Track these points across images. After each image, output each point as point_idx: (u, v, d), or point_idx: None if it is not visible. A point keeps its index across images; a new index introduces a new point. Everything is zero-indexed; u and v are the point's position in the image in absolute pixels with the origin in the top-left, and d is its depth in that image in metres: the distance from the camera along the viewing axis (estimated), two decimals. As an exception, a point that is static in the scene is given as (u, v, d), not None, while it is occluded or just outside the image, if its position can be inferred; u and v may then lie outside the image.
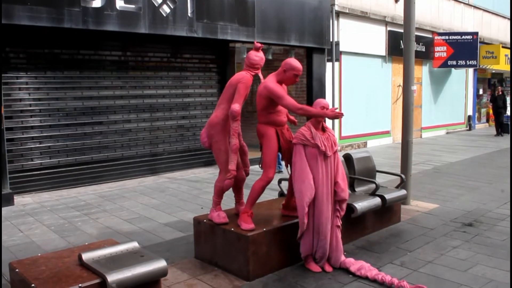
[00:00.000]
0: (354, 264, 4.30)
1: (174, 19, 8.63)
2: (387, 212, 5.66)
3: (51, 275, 3.29)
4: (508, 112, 18.07)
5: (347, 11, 12.70)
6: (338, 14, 12.51)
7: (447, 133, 18.28)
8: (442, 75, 17.96)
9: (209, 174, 9.28)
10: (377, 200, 5.25)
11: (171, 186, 8.29)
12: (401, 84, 7.70)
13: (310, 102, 11.40)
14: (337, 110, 4.21)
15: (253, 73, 4.43)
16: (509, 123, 17.23)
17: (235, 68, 10.93)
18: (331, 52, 11.91)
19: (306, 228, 4.28)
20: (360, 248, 4.97)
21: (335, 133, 4.49)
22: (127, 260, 3.45)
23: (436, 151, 12.89)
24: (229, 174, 4.24)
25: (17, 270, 3.40)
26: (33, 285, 3.13)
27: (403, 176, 6.14)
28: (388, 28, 14.35)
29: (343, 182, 4.34)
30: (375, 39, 13.98)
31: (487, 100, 21.32)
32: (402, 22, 7.98)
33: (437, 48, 16.92)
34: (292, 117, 4.75)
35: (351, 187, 5.68)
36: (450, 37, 16.87)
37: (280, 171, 8.97)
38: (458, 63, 16.96)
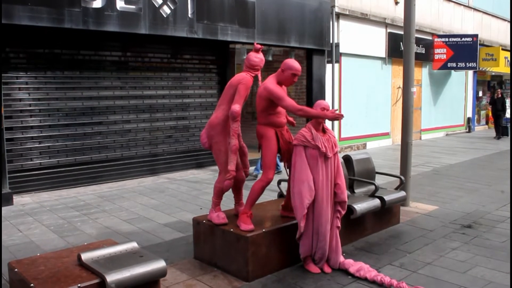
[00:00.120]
0: (353, 265, 4.30)
1: (174, 20, 8.64)
2: (386, 213, 5.67)
3: (50, 275, 3.28)
4: (508, 115, 18.08)
5: (347, 12, 12.71)
6: (338, 15, 12.53)
7: (447, 135, 18.29)
8: (442, 77, 17.98)
9: (208, 175, 9.28)
10: (376, 202, 5.25)
11: (171, 187, 8.29)
12: (401, 86, 7.71)
13: (310, 103, 11.41)
14: (337, 112, 4.21)
15: (253, 74, 4.44)
16: (508, 125, 17.24)
17: (235, 69, 10.94)
18: (331, 53, 11.93)
19: (305, 229, 4.28)
20: (359, 249, 4.97)
21: (334, 135, 4.49)
22: (126, 260, 3.45)
23: (435, 153, 12.90)
24: (228, 174, 4.24)
25: (16, 270, 3.40)
26: (32, 285, 3.13)
27: (402, 177, 6.15)
28: (388, 30, 14.37)
29: (343, 184, 4.35)
30: (375, 40, 14.00)
31: (487, 102, 21.34)
32: (402, 24, 8.00)
33: (437, 50, 16.94)
34: (290, 118, 4.75)
35: (351, 188, 5.68)
36: (450, 39, 16.89)
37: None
38: (458, 65, 16.97)
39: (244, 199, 4.61)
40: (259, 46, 4.52)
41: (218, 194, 4.51)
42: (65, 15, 7.29)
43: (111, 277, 3.17)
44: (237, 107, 4.21)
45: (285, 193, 4.88)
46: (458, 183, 8.55)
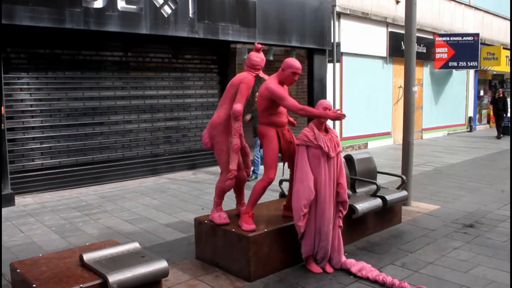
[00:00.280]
0: (355, 265, 4.30)
1: (175, 19, 8.64)
2: (388, 213, 5.66)
3: (52, 275, 3.29)
4: (509, 114, 18.04)
5: (348, 12, 12.70)
6: (339, 15, 12.51)
7: (448, 134, 18.27)
8: (443, 76, 17.96)
9: (210, 175, 9.28)
10: (378, 201, 5.25)
11: (172, 187, 8.29)
12: (402, 85, 7.71)
13: (311, 103, 11.40)
14: (339, 112, 4.21)
15: (254, 74, 4.43)
16: (509, 125, 17.21)
17: (236, 69, 10.94)
18: (332, 53, 11.91)
19: (307, 229, 4.28)
20: (361, 249, 4.97)
21: (337, 134, 4.48)
22: (128, 260, 3.45)
23: (437, 152, 12.89)
24: (230, 174, 4.24)
25: (18, 270, 3.41)
26: (34, 285, 3.13)
27: (404, 177, 6.14)
28: (389, 29, 14.35)
29: (345, 183, 4.35)
30: (376, 40, 13.99)
31: (488, 101, 21.31)
32: (403, 23, 7.99)
33: (438, 49, 16.92)
34: (291, 118, 4.75)
35: (352, 188, 5.68)
36: (451, 38, 16.87)
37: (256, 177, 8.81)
38: (459, 64, 16.95)
39: (246, 199, 4.61)
40: (259, 45, 4.52)
41: (220, 194, 4.51)
42: (66, 15, 7.29)
43: (113, 278, 3.17)
44: (239, 106, 4.21)
45: (286, 193, 4.88)
46: (459, 183, 8.54)
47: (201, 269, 4.45)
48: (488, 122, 21.79)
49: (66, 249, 4.36)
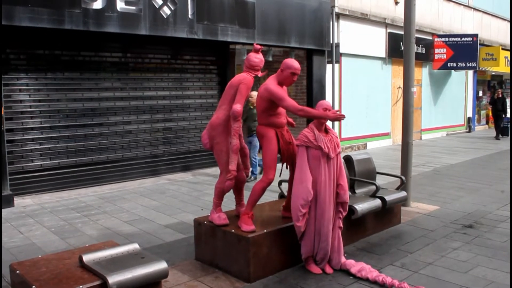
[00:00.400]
0: (354, 266, 4.30)
1: (174, 20, 8.64)
2: (387, 213, 5.67)
3: (51, 276, 3.29)
4: (508, 115, 18.06)
5: (347, 13, 12.71)
6: (338, 15, 12.53)
7: (447, 135, 18.28)
8: (442, 77, 17.98)
9: (209, 176, 9.28)
10: (377, 202, 5.25)
11: (171, 188, 8.29)
12: (401, 86, 7.72)
13: (310, 103, 11.41)
14: (339, 112, 4.20)
15: (253, 75, 4.43)
16: (508, 125, 17.22)
17: (235, 70, 10.93)
18: (331, 53, 11.93)
19: (307, 229, 4.28)
20: (361, 250, 4.97)
21: (337, 135, 4.48)
22: (128, 261, 3.45)
23: (436, 153, 12.90)
24: (229, 174, 4.24)
25: (17, 271, 3.40)
26: (33, 286, 3.13)
27: (403, 177, 6.14)
28: (388, 30, 14.37)
29: (345, 184, 4.35)
30: (375, 41, 14.00)
31: (487, 102, 21.33)
32: (402, 24, 8.00)
33: (437, 50, 16.94)
34: (290, 119, 4.76)
35: (352, 188, 5.68)
36: (450, 39, 16.89)
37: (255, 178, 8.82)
38: (458, 65, 16.98)
39: (245, 200, 4.61)
40: (258, 46, 4.52)
41: (219, 195, 4.51)
42: (65, 16, 7.29)
43: (112, 279, 3.17)
44: (238, 107, 4.22)
45: (286, 194, 4.88)
46: (458, 183, 8.55)
47: (200, 270, 4.44)
48: (487, 122, 21.81)
49: (66, 250, 4.35)
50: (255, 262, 4.15)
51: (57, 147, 8.08)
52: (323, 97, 11.84)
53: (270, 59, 11.01)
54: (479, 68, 18.07)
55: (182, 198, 7.51)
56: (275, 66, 10.69)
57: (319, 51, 11.77)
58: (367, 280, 4.12)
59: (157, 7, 8.38)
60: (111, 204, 7.11)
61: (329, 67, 12.22)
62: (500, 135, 16.79)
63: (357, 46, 13.28)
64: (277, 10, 10.45)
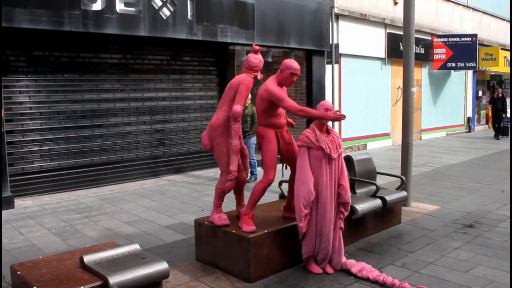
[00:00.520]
0: (355, 266, 4.30)
1: (174, 22, 8.65)
2: (387, 213, 5.67)
3: (52, 277, 3.29)
4: (508, 114, 18.06)
5: (347, 13, 12.73)
6: (338, 16, 12.54)
7: (447, 135, 18.29)
8: (442, 77, 17.99)
9: (209, 177, 9.27)
10: (377, 202, 5.26)
11: (172, 189, 8.29)
12: (401, 86, 7.73)
13: (310, 104, 11.42)
14: (339, 112, 4.20)
15: (252, 75, 4.44)
16: (508, 125, 17.22)
17: (235, 71, 10.94)
18: (331, 54, 11.93)
19: (308, 230, 4.28)
20: (361, 250, 4.97)
21: (338, 135, 4.47)
22: (129, 262, 3.45)
23: (436, 153, 12.90)
24: (230, 175, 4.24)
25: (18, 272, 3.40)
26: (34, 287, 3.13)
27: (403, 177, 6.15)
28: (388, 30, 14.38)
29: (346, 184, 4.34)
30: (375, 41, 14.01)
31: (487, 102, 21.34)
32: (401, 24, 8.01)
33: (436, 50, 16.96)
34: (289, 120, 4.76)
35: (352, 188, 5.68)
36: (449, 39, 16.91)
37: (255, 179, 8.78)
38: (457, 65, 16.99)
39: (246, 201, 4.62)
40: (257, 47, 4.53)
41: (220, 196, 4.51)
42: (65, 17, 7.30)
43: (113, 279, 3.17)
44: (238, 107, 4.22)
45: (286, 194, 4.89)
46: (459, 183, 8.55)
47: (201, 270, 4.45)
48: (487, 122, 21.82)
49: (66, 251, 4.35)
50: (256, 263, 4.16)
51: (57, 148, 8.08)
52: (322, 97, 11.85)
53: (270, 60, 11.03)
54: (478, 68, 18.08)
55: (183, 199, 7.51)
56: (275, 67, 10.71)
57: (318, 51, 11.78)
58: (367, 280, 4.12)
59: (156, 8, 8.39)
60: (112, 205, 7.11)
61: (328, 67, 12.23)
62: (500, 135, 16.78)
63: (357, 46, 13.29)
64: (277, 11, 10.46)
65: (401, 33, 7.42)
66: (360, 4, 13.27)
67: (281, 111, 4.44)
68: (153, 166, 9.36)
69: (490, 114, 19.41)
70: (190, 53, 9.81)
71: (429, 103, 17.39)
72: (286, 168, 4.65)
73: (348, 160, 5.79)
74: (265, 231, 4.25)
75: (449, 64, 16.98)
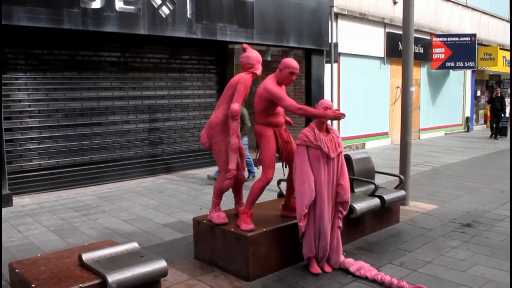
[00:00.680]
0: (353, 265, 4.31)
1: (173, 20, 8.64)
2: (386, 212, 5.68)
3: (51, 275, 3.29)
4: (507, 114, 18.06)
5: (346, 12, 12.73)
6: (337, 15, 12.54)
7: (445, 134, 18.31)
8: (440, 77, 18.01)
9: (210, 173, 9.26)
10: (376, 201, 5.26)
11: (170, 187, 8.29)
12: (400, 85, 7.73)
13: (309, 103, 11.42)
14: (338, 111, 4.19)
15: (250, 74, 4.43)
16: (507, 125, 17.23)
17: (234, 69, 10.95)
18: (330, 53, 11.94)
19: (307, 229, 4.28)
20: (360, 249, 4.98)
21: (338, 135, 4.46)
22: (127, 260, 3.45)
23: (434, 152, 12.92)
24: (229, 173, 4.24)
25: (17, 270, 3.40)
26: (33, 285, 3.13)
27: (402, 177, 6.16)
28: (387, 30, 14.39)
29: (346, 184, 4.34)
30: (374, 40, 14.02)
31: (485, 101, 21.37)
32: (400, 24, 8.02)
33: (435, 50, 16.97)
34: (288, 118, 4.76)
35: (350, 188, 5.68)
36: (448, 39, 16.92)
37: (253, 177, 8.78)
38: (456, 65, 17.01)
39: (244, 199, 4.62)
40: (245, 45, 4.55)
41: (218, 194, 4.52)
42: (64, 15, 7.29)
43: (112, 277, 3.17)
44: (236, 106, 4.22)
45: (285, 192, 4.89)
46: (457, 182, 8.57)
47: (199, 269, 4.45)
48: (485, 122, 21.85)
49: (65, 249, 4.36)
50: (254, 261, 4.16)
51: (55, 146, 8.07)
52: (321, 96, 11.85)
53: (269, 58, 11.03)
54: (477, 67, 18.11)
55: (181, 197, 7.51)
56: (274, 66, 10.72)
57: (317, 50, 11.78)
58: (366, 278, 4.13)
59: (156, 6, 8.38)
60: (110, 203, 7.11)
61: (327, 66, 12.23)
62: (498, 135, 16.78)
63: (356, 45, 13.29)
64: (276, 10, 10.46)
65: (400, 32, 7.42)
66: (359, 3, 13.27)
67: (280, 110, 4.44)
68: (152, 164, 9.36)
69: (488, 114, 19.43)
70: (189, 52, 9.81)
71: (428, 103, 17.41)
72: (286, 167, 4.65)
73: (347, 159, 5.79)
74: (264, 229, 4.26)
75: (448, 64, 17.00)
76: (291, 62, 4.35)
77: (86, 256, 3.45)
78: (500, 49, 19.25)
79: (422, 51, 16.25)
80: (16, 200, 7.29)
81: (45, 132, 7.94)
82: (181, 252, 4.91)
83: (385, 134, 15.01)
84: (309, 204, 4.17)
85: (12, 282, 3.57)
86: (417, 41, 15.36)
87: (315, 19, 11.41)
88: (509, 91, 22.21)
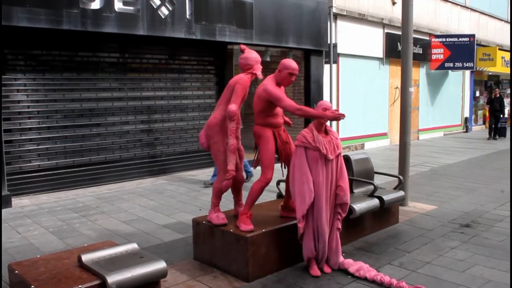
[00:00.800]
0: (353, 265, 4.31)
1: (172, 21, 8.64)
2: (385, 213, 5.68)
3: (50, 276, 3.29)
4: (506, 115, 18.08)
5: (345, 13, 12.74)
6: (336, 16, 12.55)
7: (444, 135, 18.33)
8: (439, 77, 18.03)
9: (207, 176, 9.27)
10: (375, 202, 5.27)
11: (169, 188, 8.28)
12: (399, 86, 7.74)
13: (308, 104, 11.43)
14: (337, 112, 4.18)
15: (248, 74, 4.43)
16: (505, 126, 17.25)
17: (233, 70, 10.95)
18: (329, 54, 11.95)
19: (306, 230, 4.28)
20: (359, 249, 4.98)
21: (337, 136, 4.46)
22: (127, 261, 3.45)
23: (433, 153, 12.93)
24: (228, 174, 4.25)
25: (16, 271, 3.40)
26: (32, 286, 3.13)
27: (401, 177, 6.16)
28: (386, 30, 14.40)
29: (345, 186, 4.34)
30: (373, 41, 14.03)
31: (484, 102, 21.39)
32: (399, 24, 8.03)
33: (434, 50, 16.99)
34: (286, 119, 4.76)
35: (350, 188, 5.68)
36: (447, 39, 16.95)
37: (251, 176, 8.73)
38: (455, 65, 17.03)
39: (244, 200, 4.62)
40: (242, 46, 4.55)
41: (217, 195, 4.52)
42: (63, 16, 7.29)
43: (111, 278, 3.17)
44: (233, 106, 4.22)
45: (284, 193, 4.89)
46: (456, 183, 8.57)
47: (199, 269, 4.45)
48: (484, 122, 21.87)
49: (64, 250, 4.36)
50: (254, 262, 4.16)
51: (55, 147, 8.07)
52: (320, 97, 11.87)
53: (268, 59, 11.03)
54: (476, 68, 18.13)
55: (180, 198, 7.51)
56: (273, 67, 10.72)
57: (316, 51, 11.79)
58: (365, 279, 4.13)
59: (155, 7, 8.38)
60: (109, 204, 7.11)
61: (326, 67, 12.24)
62: (497, 136, 16.79)
63: (355, 46, 13.31)
64: (275, 11, 10.47)
65: (399, 33, 7.44)
66: (358, 4, 13.29)
67: (279, 110, 4.44)
68: (151, 165, 9.35)
69: (487, 114, 19.45)
70: (188, 52, 9.81)
71: (427, 103, 17.43)
72: (285, 168, 4.66)
73: (346, 159, 5.79)
74: (263, 230, 4.26)
75: (446, 64, 17.02)
76: (290, 63, 4.35)
77: (85, 257, 3.45)
78: (499, 49, 19.28)
79: (421, 52, 16.27)
80: (15, 201, 7.28)
81: (44, 133, 7.94)
82: (180, 253, 4.91)
83: (384, 134, 15.03)
84: (309, 205, 4.17)
85: (11, 283, 3.56)
86: (416, 41, 15.38)
87: (314, 20, 11.43)
88: (508, 92, 22.23)
